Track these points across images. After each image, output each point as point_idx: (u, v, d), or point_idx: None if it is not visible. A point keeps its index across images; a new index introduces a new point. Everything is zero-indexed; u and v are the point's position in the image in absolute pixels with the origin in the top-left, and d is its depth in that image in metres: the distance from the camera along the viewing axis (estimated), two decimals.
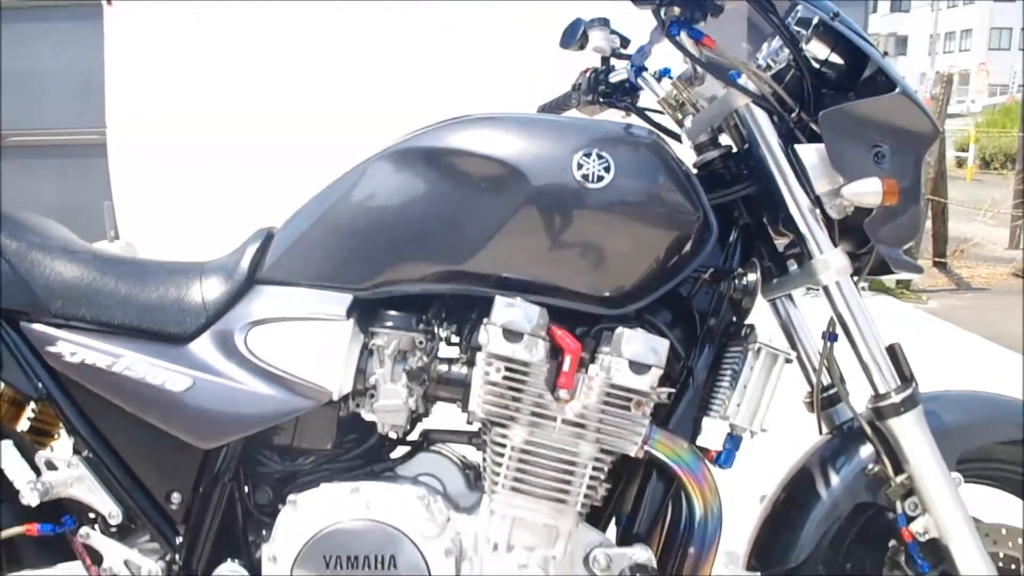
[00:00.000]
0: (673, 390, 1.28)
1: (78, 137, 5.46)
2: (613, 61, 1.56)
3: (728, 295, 1.27)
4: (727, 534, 1.28)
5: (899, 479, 1.28)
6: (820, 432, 1.41)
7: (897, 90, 1.27)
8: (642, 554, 1.20)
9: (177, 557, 1.25)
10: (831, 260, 1.26)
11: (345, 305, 1.23)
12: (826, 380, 1.40)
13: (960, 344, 4.25)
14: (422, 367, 1.23)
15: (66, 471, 1.26)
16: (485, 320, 1.18)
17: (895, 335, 1.34)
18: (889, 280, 5.55)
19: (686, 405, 1.27)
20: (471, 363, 1.22)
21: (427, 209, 1.22)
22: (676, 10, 1.25)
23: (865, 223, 1.26)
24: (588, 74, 1.60)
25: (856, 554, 1.37)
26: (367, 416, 1.28)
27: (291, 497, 1.21)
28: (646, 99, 1.55)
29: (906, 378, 1.29)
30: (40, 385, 1.26)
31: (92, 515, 1.29)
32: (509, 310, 1.17)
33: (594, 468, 1.19)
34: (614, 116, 1.49)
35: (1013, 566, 1.35)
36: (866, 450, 1.32)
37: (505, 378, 1.16)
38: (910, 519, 1.28)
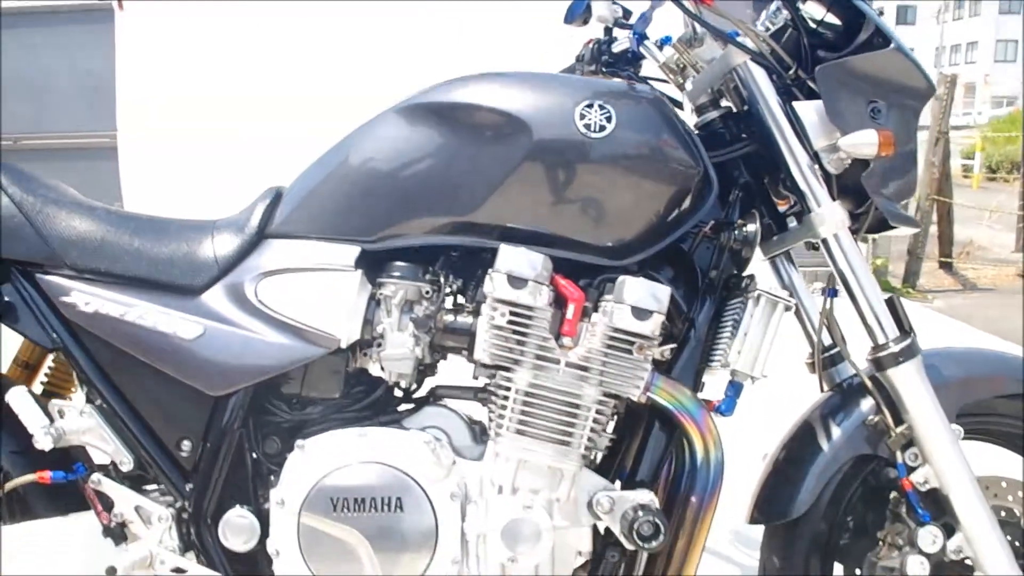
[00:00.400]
0: (674, 345, 1.30)
1: (88, 140, 5.52)
2: (616, 32, 1.58)
3: (728, 246, 1.29)
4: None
5: (899, 429, 1.29)
6: (822, 390, 1.42)
7: (892, 46, 1.30)
8: (645, 495, 1.22)
9: (187, 504, 1.27)
10: (829, 213, 1.28)
11: (353, 256, 1.26)
12: (827, 341, 1.42)
13: (966, 339, 4.25)
14: (428, 315, 1.25)
15: (78, 419, 1.28)
16: (490, 269, 1.20)
17: None
18: (895, 281, 5.55)
19: (688, 356, 1.29)
20: (476, 313, 1.24)
21: (433, 162, 1.25)
22: None
23: (863, 176, 1.28)
24: (591, 45, 1.62)
25: (858, 510, 1.39)
26: (374, 367, 1.30)
27: (299, 442, 1.23)
28: (649, 69, 1.58)
29: (905, 330, 1.31)
30: (54, 335, 1.29)
31: (103, 464, 1.32)
32: (513, 257, 1.19)
33: (597, 412, 1.20)
34: None
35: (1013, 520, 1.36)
36: (867, 403, 1.34)
37: (510, 322, 1.19)
38: (910, 469, 1.30)
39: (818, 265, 1.93)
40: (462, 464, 1.23)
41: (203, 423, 1.28)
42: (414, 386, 1.36)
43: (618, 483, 1.29)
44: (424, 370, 1.33)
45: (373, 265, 1.28)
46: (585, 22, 1.56)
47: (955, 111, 5.88)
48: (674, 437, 1.28)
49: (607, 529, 1.27)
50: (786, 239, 1.38)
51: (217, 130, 4.73)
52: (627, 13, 1.61)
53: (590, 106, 1.23)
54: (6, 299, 1.30)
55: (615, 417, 1.34)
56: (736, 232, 1.29)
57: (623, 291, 1.20)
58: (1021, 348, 3.86)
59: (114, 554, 1.25)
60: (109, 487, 1.28)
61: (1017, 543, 1.34)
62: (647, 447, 1.28)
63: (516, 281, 1.18)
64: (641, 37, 1.52)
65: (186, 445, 1.29)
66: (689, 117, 1.45)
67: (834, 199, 1.30)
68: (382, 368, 1.29)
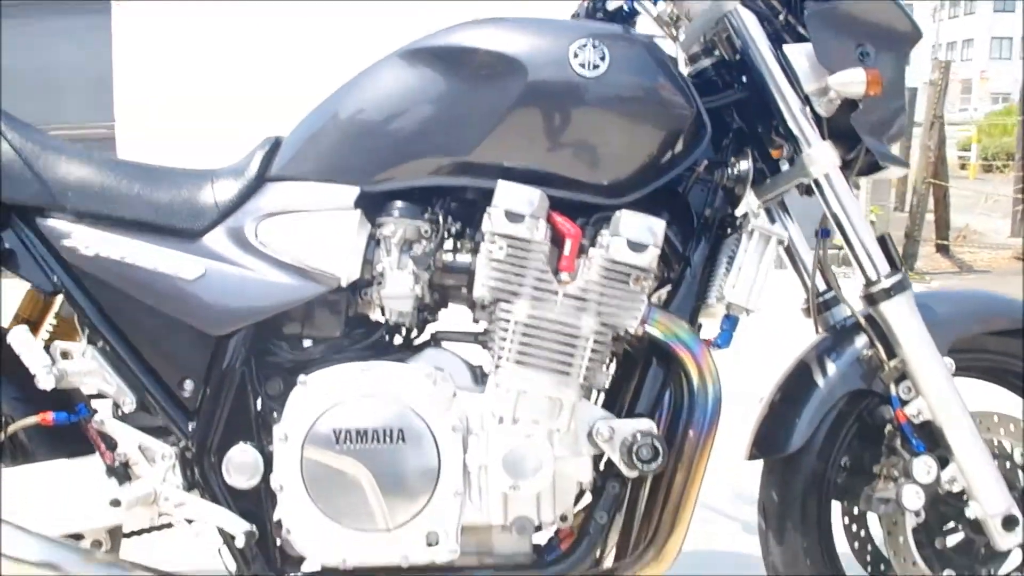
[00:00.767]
0: (670, 287, 1.33)
1: (87, 131, 5.53)
2: None
3: (722, 184, 1.31)
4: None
5: (892, 363, 1.31)
6: (816, 332, 1.44)
7: None
8: (644, 423, 1.23)
9: (190, 443, 1.29)
10: (820, 153, 1.30)
11: (353, 197, 1.27)
12: (822, 286, 1.43)
13: None
14: (427, 254, 1.27)
15: (80, 360, 1.29)
16: (488, 206, 1.22)
17: None
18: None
19: (685, 292, 1.32)
20: (475, 251, 1.26)
21: (431, 104, 1.27)
22: None
23: (852, 116, 1.30)
24: (586, 3, 1.64)
25: (854, 448, 1.40)
26: (375, 312, 1.32)
27: (301, 378, 1.24)
28: (644, 26, 1.60)
29: (896, 266, 1.33)
30: (56, 279, 1.30)
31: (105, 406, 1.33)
32: (511, 193, 1.21)
33: (596, 342, 1.22)
34: None
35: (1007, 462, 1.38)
36: (861, 340, 1.36)
37: (508, 255, 1.21)
38: (904, 402, 1.32)
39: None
40: (463, 396, 1.24)
41: (205, 363, 1.29)
42: (415, 332, 1.37)
43: None
44: (424, 314, 1.34)
45: (372, 206, 1.29)
46: None
47: (952, 107, 5.91)
48: (672, 372, 1.30)
49: (608, 462, 1.29)
50: (779, 181, 1.39)
51: (217, 130, 4.74)
52: None
53: (584, 45, 1.24)
54: (6, 245, 1.31)
55: (614, 358, 1.36)
56: (729, 170, 1.31)
57: (619, 224, 1.22)
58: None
59: (118, 491, 1.26)
60: (112, 427, 1.30)
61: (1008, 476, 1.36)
62: (645, 382, 1.30)
63: (514, 216, 1.20)
64: None
65: (188, 385, 1.30)
66: (683, 69, 1.47)
67: (825, 140, 1.32)
68: (382, 310, 1.31)
